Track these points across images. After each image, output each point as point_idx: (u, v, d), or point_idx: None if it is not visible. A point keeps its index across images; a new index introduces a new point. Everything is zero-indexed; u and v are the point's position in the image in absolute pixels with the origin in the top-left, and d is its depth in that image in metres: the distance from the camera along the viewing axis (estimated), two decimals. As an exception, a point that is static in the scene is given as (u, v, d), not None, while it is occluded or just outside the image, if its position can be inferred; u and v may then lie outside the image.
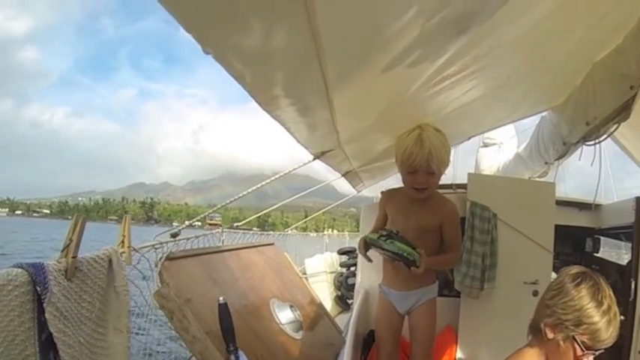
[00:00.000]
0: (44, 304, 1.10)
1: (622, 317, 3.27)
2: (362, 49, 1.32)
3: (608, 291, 1.34)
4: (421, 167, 2.15)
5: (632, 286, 3.19)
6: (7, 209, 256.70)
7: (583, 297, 1.32)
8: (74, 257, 1.23)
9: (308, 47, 1.11)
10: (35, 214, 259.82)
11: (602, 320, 1.29)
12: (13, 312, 1.04)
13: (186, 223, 2.31)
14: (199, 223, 3.02)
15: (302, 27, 1.00)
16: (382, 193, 2.59)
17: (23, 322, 1.07)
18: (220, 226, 3.19)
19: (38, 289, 1.09)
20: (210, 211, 2.55)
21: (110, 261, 1.41)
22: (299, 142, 2.19)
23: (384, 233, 2.24)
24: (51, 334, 1.12)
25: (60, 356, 1.14)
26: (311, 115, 1.77)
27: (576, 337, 1.31)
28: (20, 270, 1.09)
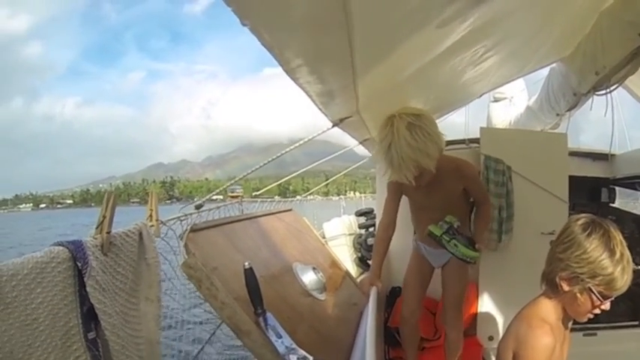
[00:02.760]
0: (85, 278, 1.17)
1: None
2: (389, 16, 1.35)
3: (618, 237, 1.32)
4: (406, 180, 2.05)
5: (649, 235, 3.21)
6: (31, 204, 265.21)
7: (596, 248, 1.30)
8: (108, 232, 1.30)
9: (335, 14, 1.14)
10: (59, 206, 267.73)
11: (616, 269, 1.29)
12: (57, 287, 1.11)
13: (207, 197, 2.35)
14: (221, 197, 3.06)
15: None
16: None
17: (66, 296, 1.13)
18: (242, 197, 3.24)
19: (79, 264, 1.16)
20: (229, 183, 2.58)
21: (140, 234, 1.48)
22: (320, 109, 2.18)
23: (446, 227, 2.24)
24: (91, 305, 1.18)
25: (100, 325, 1.20)
26: (334, 81, 1.78)
27: (592, 288, 1.32)
28: (61, 247, 1.15)
